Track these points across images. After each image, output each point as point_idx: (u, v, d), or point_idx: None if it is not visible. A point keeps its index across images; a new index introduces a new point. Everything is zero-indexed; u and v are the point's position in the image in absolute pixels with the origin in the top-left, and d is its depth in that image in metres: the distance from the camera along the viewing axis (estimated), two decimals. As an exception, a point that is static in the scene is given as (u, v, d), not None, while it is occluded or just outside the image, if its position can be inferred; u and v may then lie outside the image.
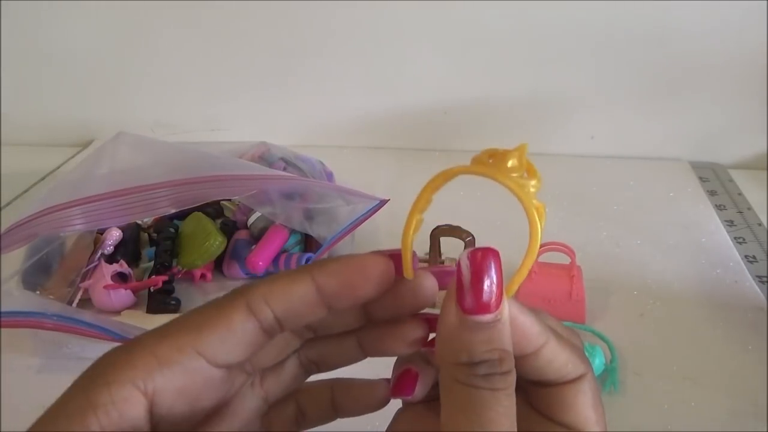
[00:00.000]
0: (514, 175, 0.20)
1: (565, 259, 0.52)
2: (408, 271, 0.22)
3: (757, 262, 0.60)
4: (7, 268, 0.52)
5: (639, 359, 0.48)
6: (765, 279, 0.57)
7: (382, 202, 0.56)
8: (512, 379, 0.20)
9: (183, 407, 0.20)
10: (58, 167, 0.84)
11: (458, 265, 0.20)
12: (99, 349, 0.41)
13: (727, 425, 0.43)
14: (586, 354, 0.45)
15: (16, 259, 0.52)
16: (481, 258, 0.20)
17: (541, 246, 0.51)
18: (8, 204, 0.75)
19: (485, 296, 0.19)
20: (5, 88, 0.86)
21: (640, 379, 0.47)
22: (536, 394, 0.23)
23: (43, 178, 0.81)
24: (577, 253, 0.51)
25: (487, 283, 0.19)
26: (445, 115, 0.82)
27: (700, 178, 0.75)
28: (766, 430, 0.42)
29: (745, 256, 0.61)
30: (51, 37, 0.82)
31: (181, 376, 0.20)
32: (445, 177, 0.23)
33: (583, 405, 0.22)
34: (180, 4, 0.77)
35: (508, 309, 0.20)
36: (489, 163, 0.21)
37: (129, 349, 0.20)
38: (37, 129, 0.91)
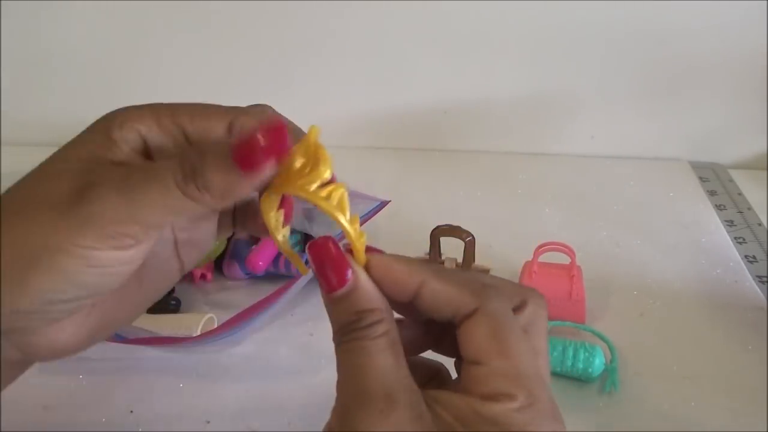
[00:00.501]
0: (304, 179, 0.24)
1: (565, 259, 0.52)
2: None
3: (757, 262, 0.60)
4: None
5: (639, 359, 0.48)
6: (765, 279, 0.57)
7: (383, 203, 0.56)
8: (377, 327, 0.22)
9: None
10: (58, 167, 0.84)
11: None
12: (99, 349, 0.41)
13: (727, 425, 0.43)
14: (586, 354, 0.45)
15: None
16: (316, 249, 0.23)
17: (541, 246, 0.52)
18: (8, 204, 0.75)
19: (330, 279, 0.23)
20: (5, 88, 0.86)
21: (640, 379, 0.47)
22: (444, 341, 0.25)
23: (43, 178, 0.81)
24: (577, 253, 0.51)
25: (326, 268, 0.23)
26: (445, 115, 0.82)
27: (700, 178, 0.75)
28: (766, 430, 0.42)
29: (745, 256, 0.61)
30: (51, 37, 0.82)
31: (168, 142, 0.26)
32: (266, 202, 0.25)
33: (478, 337, 0.23)
34: (180, 4, 0.77)
35: (361, 276, 0.23)
36: (283, 175, 0.24)
37: (136, 115, 0.25)
38: (37, 129, 0.91)
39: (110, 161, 0.24)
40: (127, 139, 0.24)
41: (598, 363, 0.45)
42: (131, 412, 0.45)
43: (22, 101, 0.89)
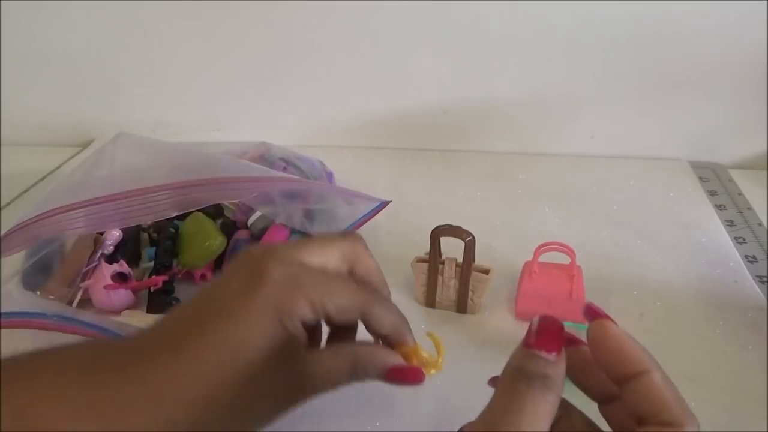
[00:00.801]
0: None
1: (565, 259, 0.52)
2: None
3: (757, 262, 0.60)
4: (7, 269, 0.52)
5: (639, 359, 0.48)
6: (765, 279, 0.57)
7: (384, 204, 0.56)
8: (550, 394, 0.26)
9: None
10: (58, 167, 0.84)
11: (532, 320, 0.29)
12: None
13: (727, 425, 0.43)
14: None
15: (16, 259, 0.52)
16: (550, 319, 0.28)
17: (541, 246, 0.52)
18: (8, 204, 0.75)
19: (550, 344, 0.27)
20: (5, 88, 0.86)
21: (640, 379, 0.47)
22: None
23: (43, 178, 0.81)
24: (577, 253, 0.51)
25: (552, 336, 0.28)
26: (445, 115, 0.82)
27: (700, 178, 0.75)
28: (766, 430, 0.42)
29: (745, 256, 0.61)
30: (51, 37, 0.82)
31: (313, 319, 0.32)
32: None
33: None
34: (180, 4, 0.77)
35: (563, 362, 0.27)
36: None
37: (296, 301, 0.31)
38: (37, 129, 0.91)
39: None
40: (296, 334, 0.32)
41: (598, 363, 0.45)
42: (131, 412, 0.45)
43: (22, 101, 0.89)
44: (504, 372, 0.27)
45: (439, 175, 0.77)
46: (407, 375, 0.34)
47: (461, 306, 0.53)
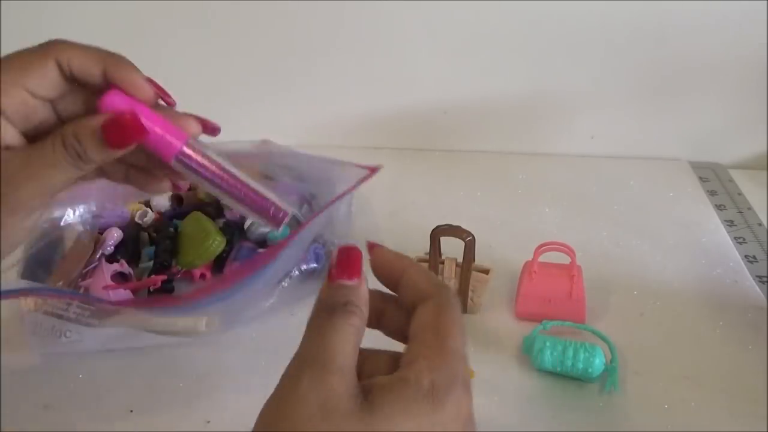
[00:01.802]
0: None
1: (565, 259, 0.52)
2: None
3: (757, 262, 0.60)
4: (5, 261, 0.52)
5: (639, 359, 0.48)
6: (765, 279, 0.57)
7: (373, 169, 0.56)
8: (353, 318, 0.27)
9: (21, 124, 0.31)
10: (58, 167, 0.84)
11: (338, 250, 0.29)
12: (96, 335, 0.41)
13: (727, 425, 0.43)
14: (586, 354, 0.45)
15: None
16: (346, 248, 0.29)
17: (541, 246, 0.52)
18: (8, 204, 0.75)
19: (345, 269, 0.28)
20: (5, 88, 0.86)
21: (640, 379, 0.47)
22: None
23: (43, 178, 0.81)
24: (577, 253, 0.51)
25: (347, 262, 0.28)
26: (445, 115, 0.82)
27: (700, 178, 0.75)
28: (766, 430, 0.42)
29: (745, 256, 0.61)
30: (51, 37, 0.82)
31: (19, 103, 0.30)
32: None
33: (423, 316, 0.27)
34: (180, 5, 0.77)
35: (364, 281, 0.28)
36: None
37: None
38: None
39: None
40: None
41: (598, 363, 0.45)
42: (131, 412, 0.45)
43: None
44: (313, 310, 0.28)
45: (439, 175, 0.77)
46: (124, 126, 0.30)
47: (461, 306, 0.53)
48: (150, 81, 0.33)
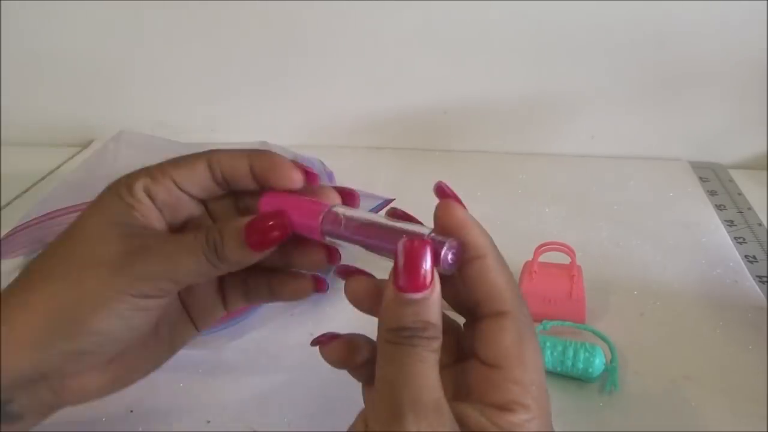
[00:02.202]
0: None
1: (565, 259, 0.52)
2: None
3: (757, 262, 0.60)
4: (6, 265, 0.52)
5: (639, 359, 0.48)
6: (765, 279, 0.57)
7: (387, 201, 0.56)
8: (435, 343, 0.24)
9: (168, 214, 0.31)
10: (58, 167, 0.84)
11: (395, 251, 0.24)
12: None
13: (727, 425, 0.43)
14: (586, 354, 0.45)
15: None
16: (413, 245, 0.24)
17: (541, 246, 0.52)
18: (8, 204, 0.75)
19: (417, 279, 0.24)
20: (5, 88, 0.86)
21: (640, 379, 0.47)
22: (466, 334, 0.28)
23: (43, 178, 0.81)
24: (577, 253, 0.51)
25: (417, 266, 0.24)
26: (445, 115, 0.82)
27: (700, 178, 0.75)
28: (766, 430, 0.42)
29: (745, 256, 0.61)
30: (51, 37, 0.82)
31: (166, 193, 0.30)
32: None
33: (506, 341, 0.25)
34: (180, 5, 0.77)
35: (438, 289, 0.24)
36: None
37: (133, 178, 0.30)
38: (37, 129, 0.91)
39: (143, 226, 0.29)
40: (139, 199, 0.30)
41: (598, 363, 0.45)
42: (131, 411, 0.45)
43: (22, 101, 0.89)
44: (379, 338, 0.25)
45: (439, 175, 0.76)
46: (267, 226, 0.28)
47: (461, 306, 0.53)
48: (299, 167, 0.30)
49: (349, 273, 0.30)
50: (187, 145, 0.58)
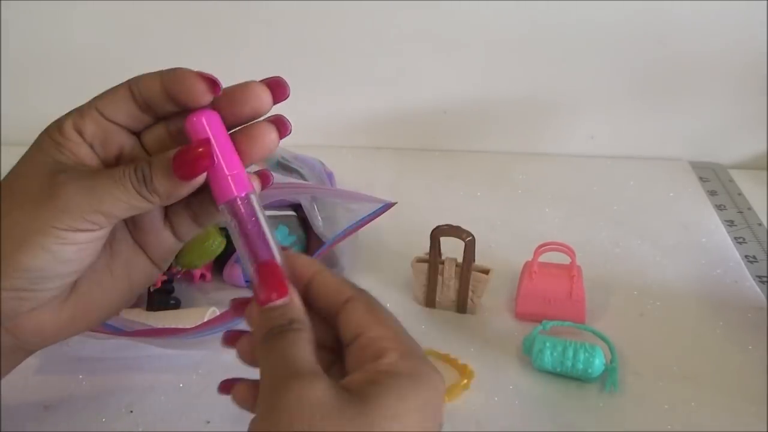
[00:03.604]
0: None
1: (565, 259, 0.52)
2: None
3: (757, 262, 0.60)
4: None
5: (639, 359, 0.48)
6: (765, 279, 0.57)
7: (388, 205, 0.56)
8: (303, 332, 0.27)
9: (100, 149, 0.31)
10: (58, 167, 0.84)
11: (251, 275, 0.28)
12: (99, 349, 0.41)
13: (727, 425, 0.43)
14: (586, 354, 0.45)
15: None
16: (265, 268, 0.28)
17: (541, 246, 0.52)
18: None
19: (272, 291, 0.28)
20: (5, 88, 0.86)
21: (640, 379, 0.47)
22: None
23: (43, 178, 0.81)
24: (577, 253, 0.51)
25: (270, 284, 0.28)
26: (445, 115, 0.82)
27: (700, 178, 0.75)
28: (766, 430, 0.42)
29: (745, 256, 0.61)
30: (52, 37, 0.82)
31: (94, 125, 0.30)
32: None
33: (358, 313, 0.28)
34: (181, 5, 0.77)
35: (295, 294, 0.28)
36: None
37: (64, 118, 0.31)
38: (37, 129, 0.91)
39: (74, 163, 0.30)
40: (68, 137, 0.30)
41: (598, 363, 0.45)
42: (131, 412, 0.45)
43: (22, 101, 0.89)
44: (257, 350, 0.27)
45: (439, 175, 0.77)
46: (192, 158, 0.28)
47: (461, 306, 0.53)
48: (204, 77, 0.29)
49: (234, 340, 0.30)
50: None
